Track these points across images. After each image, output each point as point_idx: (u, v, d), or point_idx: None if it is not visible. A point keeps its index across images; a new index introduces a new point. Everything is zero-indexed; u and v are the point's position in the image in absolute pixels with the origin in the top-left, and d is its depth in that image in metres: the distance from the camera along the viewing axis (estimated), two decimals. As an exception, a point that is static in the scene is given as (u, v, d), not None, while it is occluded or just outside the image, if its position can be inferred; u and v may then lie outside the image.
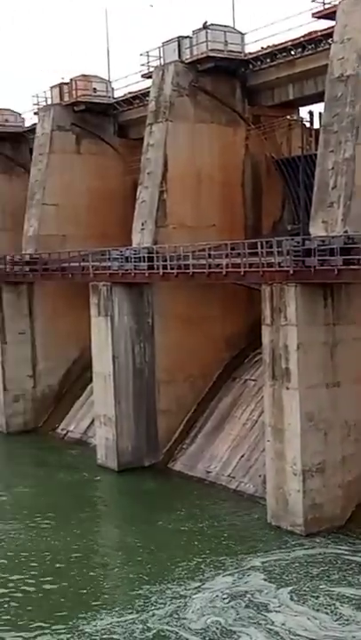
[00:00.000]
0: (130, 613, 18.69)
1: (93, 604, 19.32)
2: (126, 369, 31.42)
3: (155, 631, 17.85)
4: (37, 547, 23.35)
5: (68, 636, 17.74)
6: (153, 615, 18.57)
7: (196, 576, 20.66)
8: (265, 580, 20.17)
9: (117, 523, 25.91)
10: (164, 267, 29.83)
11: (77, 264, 35.37)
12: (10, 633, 18.00)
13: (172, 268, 29.54)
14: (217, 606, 18.80)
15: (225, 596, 19.29)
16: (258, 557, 21.65)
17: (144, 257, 30.88)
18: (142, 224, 32.74)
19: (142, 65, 35.74)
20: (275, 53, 31.85)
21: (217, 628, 17.82)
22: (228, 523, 24.78)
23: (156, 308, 32.03)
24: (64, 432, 37.68)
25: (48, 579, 21.03)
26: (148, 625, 18.11)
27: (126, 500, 28.57)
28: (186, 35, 33.71)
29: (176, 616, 18.48)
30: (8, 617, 18.85)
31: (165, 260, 29.87)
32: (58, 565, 21.99)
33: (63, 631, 17.95)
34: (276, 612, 18.43)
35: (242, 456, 28.81)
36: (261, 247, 25.47)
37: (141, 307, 31.84)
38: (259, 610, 18.56)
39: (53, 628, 18.16)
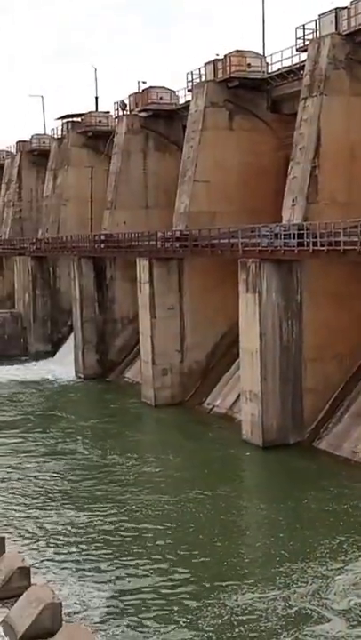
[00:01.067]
0: (271, 590, 18.59)
1: (235, 577, 19.37)
2: (273, 346, 31.14)
3: (296, 609, 17.64)
4: (182, 517, 23.67)
5: (210, 608, 17.88)
6: (295, 593, 18.36)
7: (338, 557, 20.24)
8: None
9: (262, 498, 25.81)
10: (315, 243, 29.25)
11: (227, 240, 35.33)
12: (153, 602, 18.36)
13: (322, 245, 28.92)
14: (361, 589, 18.34)
15: (369, 580, 18.73)
16: None
17: (294, 234, 30.38)
18: (293, 200, 32.21)
19: (298, 38, 35.01)
20: None
21: (360, 611, 17.39)
22: (374, 505, 24.12)
23: (305, 285, 31.49)
24: (210, 407, 37.95)
25: (191, 550, 21.29)
26: (290, 602, 17.92)
27: (271, 476, 28.43)
28: (344, 6, 32.66)
29: (318, 595, 18.17)
30: (151, 586, 19.24)
31: (316, 237, 29.27)
32: (201, 537, 22.21)
33: (204, 603, 18.10)
34: None
35: (390, 439, 27.93)
36: None
37: (290, 284, 31.39)
38: None
39: (194, 599, 18.38)
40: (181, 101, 47.41)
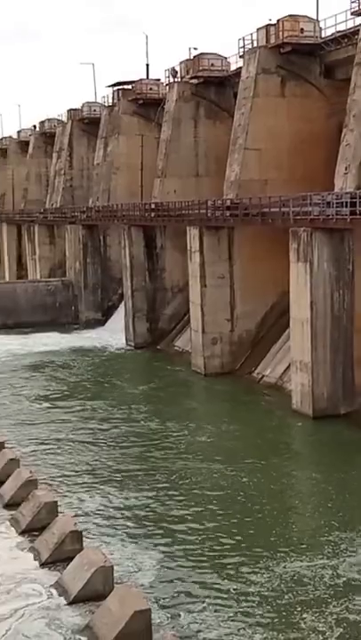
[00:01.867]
0: (319, 559, 18.67)
1: (283, 545, 19.50)
2: (324, 316, 30.89)
3: (344, 579, 17.70)
4: (233, 486, 23.81)
5: (258, 575, 18.05)
6: (343, 562, 18.43)
7: (388, 528, 20.23)
8: None
9: (312, 468, 25.79)
10: (368, 212, 28.77)
11: (278, 209, 34.97)
12: (202, 569, 18.58)
13: (375, 214, 28.44)
14: None
15: None
16: None
17: (346, 202, 29.92)
18: (346, 168, 31.69)
19: (352, 2, 34.19)
20: None
21: None
22: None
23: (358, 255, 31.07)
24: (259, 376, 37.93)
25: (240, 518, 21.47)
26: (338, 572, 18.00)
27: (322, 446, 28.37)
28: None
29: (367, 565, 18.21)
30: (201, 552, 19.47)
31: (369, 206, 28.78)
32: (250, 505, 22.37)
33: (253, 570, 18.29)
34: None
35: None
36: None
37: (342, 253, 31.01)
38: None
39: (244, 565, 18.56)
40: (233, 68, 46.81)
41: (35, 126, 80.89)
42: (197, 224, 40.11)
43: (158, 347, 47.33)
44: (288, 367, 34.66)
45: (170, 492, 23.33)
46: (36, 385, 37.89)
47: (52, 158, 72.64)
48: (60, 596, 16.22)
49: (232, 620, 16.04)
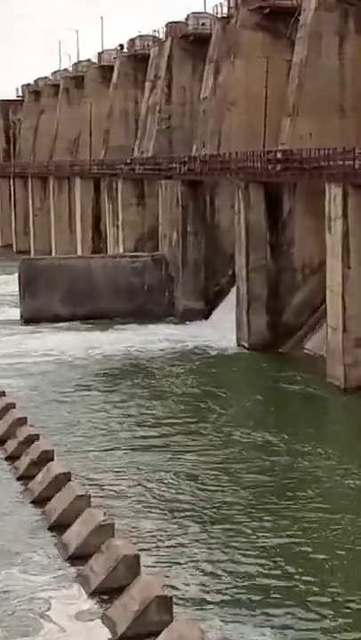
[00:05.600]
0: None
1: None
2: None
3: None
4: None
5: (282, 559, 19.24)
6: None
7: None
8: None
9: None
10: None
11: None
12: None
13: None
14: None
15: None
16: None
17: None
18: None
19: None
20: None
21: None
22: None
23: None
24: None
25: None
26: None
27: None
28: None
29: None
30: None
31: None
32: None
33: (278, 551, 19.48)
34: None
35: None
36: None
37: None
38: None
39: (269, 547, 20.35)
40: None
41: (121, 46, 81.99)
42: (341, 180, 39.68)
43: (281, 349, 47.13)
44: None
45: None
46: (116, 402, 38.31)
47: (143, 90, 73.39)
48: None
49: None
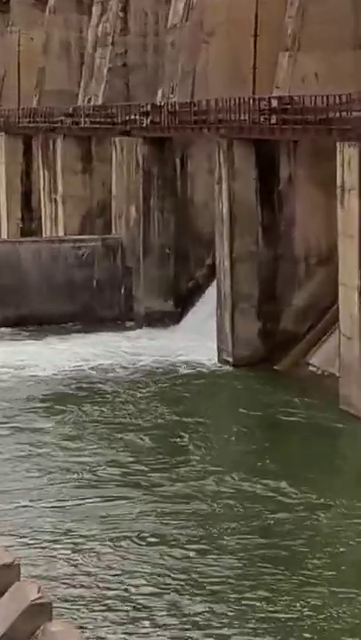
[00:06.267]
0: None
1: None
2: None
3: None
4: None
5: None
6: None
7: None
8: None
9: None
10: None
11: None
12: None
13: None
14: None
15: None
16: None
17: None
18: None
19: None
20: None
21: None
22: None
23: None
24: None
25: None
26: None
27: None
28: None
29: None
30: None
31: None
32: None
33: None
34: None
35: None
36: None
37: None
38: None
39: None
40: None
41: None
42: (357, 138, 39.86)
43: (276, 366, 47.22)
44: None
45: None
46: (58, 441, 38.19)
47: (90, 14, 73.36)
48: None
49: None
